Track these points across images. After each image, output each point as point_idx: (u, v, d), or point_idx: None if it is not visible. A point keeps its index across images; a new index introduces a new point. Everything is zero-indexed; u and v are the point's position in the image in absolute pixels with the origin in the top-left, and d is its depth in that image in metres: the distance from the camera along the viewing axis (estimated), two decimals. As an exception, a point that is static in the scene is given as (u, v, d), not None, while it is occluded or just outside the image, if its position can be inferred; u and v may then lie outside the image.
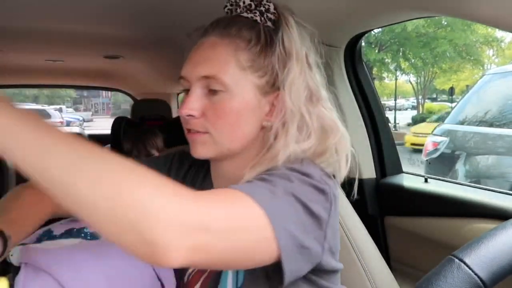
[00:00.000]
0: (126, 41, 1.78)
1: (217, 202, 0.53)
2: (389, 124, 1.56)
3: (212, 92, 0.67)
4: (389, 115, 15.82)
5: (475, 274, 0.36)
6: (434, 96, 27.37)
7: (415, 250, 1.27)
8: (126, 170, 0.47)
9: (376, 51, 16.30)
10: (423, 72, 19.17)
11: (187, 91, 0.70)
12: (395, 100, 21.00)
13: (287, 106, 0.67)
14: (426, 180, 1.34)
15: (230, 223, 0.51)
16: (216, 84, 0.66)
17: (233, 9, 0.73)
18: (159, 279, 0.75)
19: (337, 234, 0.67)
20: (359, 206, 1.17)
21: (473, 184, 1.39)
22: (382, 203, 1.39)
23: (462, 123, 4.40)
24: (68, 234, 0.79)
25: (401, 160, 1.49)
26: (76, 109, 30.98)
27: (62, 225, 0.82)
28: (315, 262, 0.62)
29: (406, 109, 24.63)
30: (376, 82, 18.01)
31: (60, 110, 14.64)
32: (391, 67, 18.14)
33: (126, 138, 1.80)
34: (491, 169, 3.86)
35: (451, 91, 16.86)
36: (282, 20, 0.70)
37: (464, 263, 0.36)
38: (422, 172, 3.76)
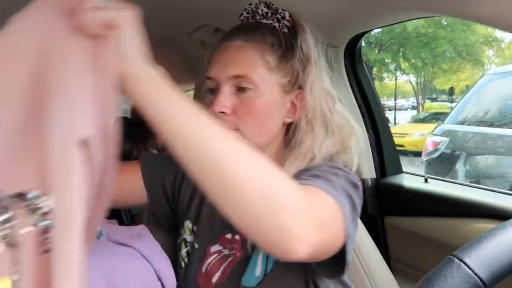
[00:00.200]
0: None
1: (320, 198, 0.58)
2: (389, 124, 1.56)
3: (240, 90, 0.72)
4: (389, 115, 15.84)
5: (475, 274, 0.36)
6: (434, 96, 27.39)
7: (415, 250, 1.27)
8: (265, 161, 0.50)
9: (376, 51, 16.31)
10: (423, 72, 19.18)
11: (211, 90, 0.75)
12: (395, 100, 21.02)
13: (309, 104, 0.74)
14: (426, 180, 1.34)
15: (331, 218, 0.58)
16: (246, 83, 0.71)
17: (249, 17, 0.79)
18: (159, 279, 0.75)
19: None
20: (359, 206, 1.17)
21: (473, 184, 1.39)
22: (382, 203, 1.39)
23: (462, 123, 4.40)
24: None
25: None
26: (76, 109, 30.82)
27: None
28: None
29: (406, 109, 24.64)
30: (376, 82, 18.02)
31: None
32: (391, 67, 18.15)
33: (126, 138, 1.80)
34: (491, 169, 3.86)
35: (451, 91, 16.87)
36: (298, 27, 0.77)
37: (464, 263, 0.37)
38: (418, 172, 3.76)
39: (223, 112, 0.71)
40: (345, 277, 0.76)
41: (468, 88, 10.57)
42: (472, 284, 0.35)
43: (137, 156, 0.92)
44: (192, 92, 1.93)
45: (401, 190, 1.36)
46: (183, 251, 0.82)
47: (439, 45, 15.21)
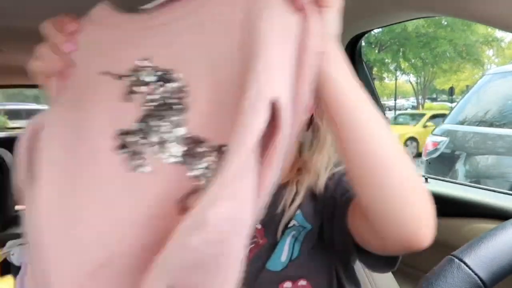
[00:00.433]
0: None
1: None
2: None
3: None
4: (389, 115, 15.82)
5: (475, 274, 0.36)
6: (434, 96, 27.38)
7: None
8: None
9: (376, 51, 16.30)
10: (423, 72, 19.17)
11: None
12: (395, 100, 21.02)
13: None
14: (426, 180, 1.34)
15: None
16: None
17: None
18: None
19: None
20: (359, 206, 1.16)
21: (473, 184, 1.39)
22: (382, 203, 1.39)
23: (462, 123, 4.40)
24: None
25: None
26: (76, 109, 30.88)
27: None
28: None
29: (406, 109, 24.63)
30: (376, 82, 18.01)
31: (60, 110, 14.66)
32: (391, 67, 18.14)
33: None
34: (491, 169, 3.86)
35: (451, 91, 16.86)
36: None
37: (464, 263, 0.37)
38: (421, 172, 3.76)
39: None
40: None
41: (468, 88, 10.57)
42: (472, 284, 0.35)
43: None
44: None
45: (401, 190, 1.36)
46: None
47: (439, 45, 15.20)
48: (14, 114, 9.90)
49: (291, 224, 0.69)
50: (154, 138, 0.50)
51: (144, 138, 0.50)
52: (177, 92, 0.51)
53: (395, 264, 0.65)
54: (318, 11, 0.49)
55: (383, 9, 1.04)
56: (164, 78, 0.51)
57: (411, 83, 21.33)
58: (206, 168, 0.47)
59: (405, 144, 9.37)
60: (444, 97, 24.65)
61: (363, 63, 1.41)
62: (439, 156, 4.37)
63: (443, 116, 7.26)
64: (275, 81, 0.46)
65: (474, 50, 16.29)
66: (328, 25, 0.50)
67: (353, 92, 0.50)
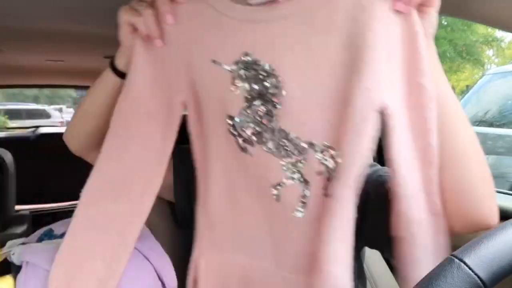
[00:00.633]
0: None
1: None
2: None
3: None
4: (389, 115, 15.81)
5: (475, 274, 0.36)
6: (434, 96, 27.32)
7: (415, 250, 1.26)
8: None
9: (376, 51, 16.28)
10: (423, 72, 19.13)
11: None
12: (395, 100, 20.99)
13: None
14: (426, 180, 1.34)
15: None
16: None
17: None
18: (160, 279, 0.75)
19: None
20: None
21: (473, 184, 1.38)
22: (382, 203, 1.39)
23: (462, 123, 4.39)
24: (69, 234, 0.79)
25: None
26: (76, 109, 30.83)
27: (63, 225, 0.82)
28: None
29: (406, 109, 24.57)
30: (376, 82, 17.95)
31: (60, 110, 14.63)
32: (391, 67, 18.12)
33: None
34: (491, 169, 3.82)
35: (451, 91, 16.83)
36: None
37: (464, 263, 0.37)
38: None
39: None
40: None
41: (468, 88, 10.57)
42: (472, 284, 0.35)
43: None
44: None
45: (401, 190, 1.35)
46: None
47: (439, 45, 15.14)
48: (14, 114, 9.89)
49: None
50: (252, 128, 0.58)
51: (245, 127, 0.58)
52: (274, 87, 0.56)
53: None
54: (421, 12, 0.51)
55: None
56: (264, 72, 0.56)
57: (411, 83, 21.31)
58: (293, 164, 0.55)
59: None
60: (444, 97, 24.58)
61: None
62: (439, 156, 4.36)
63: (443, 116, 7.25)
64: (386, 91, 0.50)
65: (474, 50, 16.27)
66: (432, 27, 0.52)
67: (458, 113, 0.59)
